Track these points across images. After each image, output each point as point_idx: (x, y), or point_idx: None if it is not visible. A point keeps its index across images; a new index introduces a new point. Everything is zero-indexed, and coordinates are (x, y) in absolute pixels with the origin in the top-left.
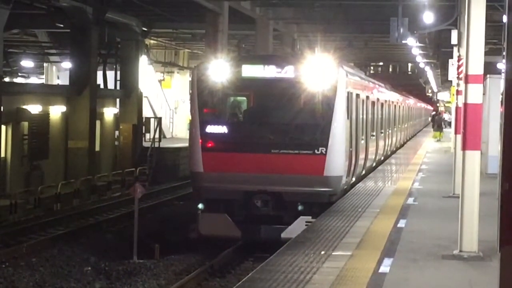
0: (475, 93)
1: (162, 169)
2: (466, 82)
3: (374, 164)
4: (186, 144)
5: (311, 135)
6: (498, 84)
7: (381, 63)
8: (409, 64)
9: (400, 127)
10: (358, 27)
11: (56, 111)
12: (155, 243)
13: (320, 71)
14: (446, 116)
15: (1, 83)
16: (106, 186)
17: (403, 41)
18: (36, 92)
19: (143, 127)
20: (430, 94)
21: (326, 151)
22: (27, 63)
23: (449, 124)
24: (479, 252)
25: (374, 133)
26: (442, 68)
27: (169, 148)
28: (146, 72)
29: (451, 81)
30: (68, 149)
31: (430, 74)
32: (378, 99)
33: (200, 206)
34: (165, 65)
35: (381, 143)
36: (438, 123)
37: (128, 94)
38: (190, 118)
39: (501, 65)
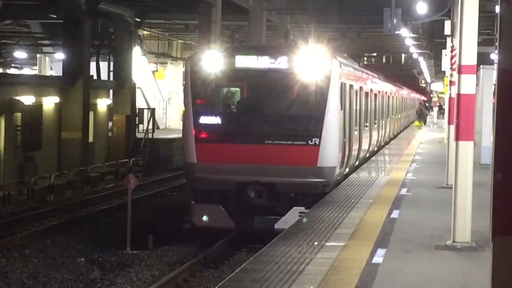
0: (468, 84)
1: (156, 160)
2: (459, 72)
3: (367, 155)
4: (180, 135)
5: (305, 126)
6: (491, 74)
7: (374, 54)
8: (403, 55)
9: (393, 118)
10: (351, 17)
11: (49, 102)
12: (148, 234)
13: (313, 62)
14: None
15: None
16: (99, 177)
17: (396, 32)
18: (29, 83)
19: (137, 118)
20: (424, 85)
21: (319, 142)
22: (20, 54)
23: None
24: (472, 242)
25: (368, 124)
26: (435, 58)
27: (163, 139)
28: (140, 63)
29: (444, 72)
30: (61, 140)
31: (423, 64)
32: (371, 90)
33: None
34: (158, 56)
35: (374, 133)
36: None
37: (122, 85)
38: (184, 109)
39: (494, 56)
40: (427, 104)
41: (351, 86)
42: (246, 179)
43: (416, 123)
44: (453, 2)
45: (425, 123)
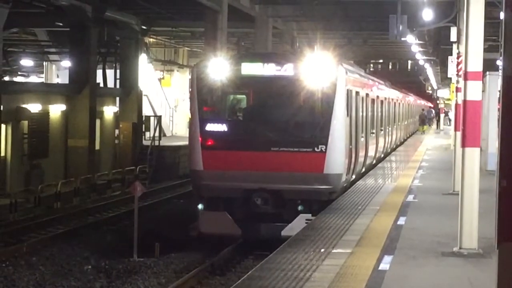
0: (474, 90)
1: (162, 168)
2: (466, 79)
3: (374, 162)
4: (186, 143)
5: (311, 132)
6: (497, 81)
7: (380, 61)
8: (409, 62)
9: (400, 124)
10: (357, 24)
11: (56, 110)
12: (155, 242)
13: (319, 69)
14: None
15: (1, 82)
16: (106, 185)
17: (403, 38)
18: (36, 91)
19: (143, 126)
20: (430, 91)
21: (326, 149)
22: (26, 62)
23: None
24: (478, 249)
25: (374, 131)
26: (441, 65)
27: (169, 146)
28: (146, 71)
29: (450, 78)
30: (68, 148)
31: (429, 71)
32: (377, 97)
33: (200, 206)
34: (164, 64)
35: (381, 140)
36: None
37: (128, 92)
38: (190, 117)
39: (500, 62)
40: (423, 110)
41: (357, 92)
42: (253, 186)
43: (420, 128)
44: (459, 8)
45: (430, 125)
